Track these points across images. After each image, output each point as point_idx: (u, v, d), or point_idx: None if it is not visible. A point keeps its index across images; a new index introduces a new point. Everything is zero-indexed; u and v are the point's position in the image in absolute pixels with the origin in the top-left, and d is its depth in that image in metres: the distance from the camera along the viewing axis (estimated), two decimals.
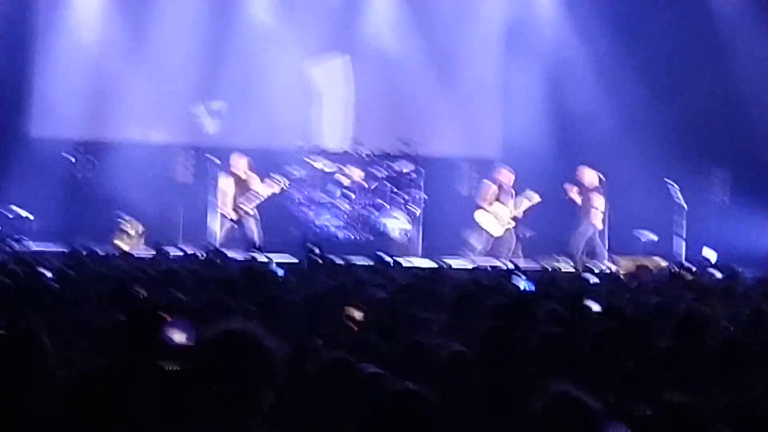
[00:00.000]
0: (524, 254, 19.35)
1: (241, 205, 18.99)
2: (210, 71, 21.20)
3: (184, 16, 21.23)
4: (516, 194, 19.75)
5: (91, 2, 21.39)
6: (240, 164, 19.16)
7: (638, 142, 20.91)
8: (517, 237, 19.72)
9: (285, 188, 19.27)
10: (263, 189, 19.04)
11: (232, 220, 19.01)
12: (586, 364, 5.93)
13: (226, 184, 19.12)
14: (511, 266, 15.17)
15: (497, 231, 19.69)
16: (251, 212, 18.99)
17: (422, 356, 6.21)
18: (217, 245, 17.26)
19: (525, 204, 19.64)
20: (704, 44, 21.04)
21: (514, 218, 19.69)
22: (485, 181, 20.02)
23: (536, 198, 19.54)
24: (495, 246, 19.61)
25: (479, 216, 19.74)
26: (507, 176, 19.84)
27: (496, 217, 19.68)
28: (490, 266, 14.92)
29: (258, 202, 19.07)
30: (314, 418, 5.11)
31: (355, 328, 6.87)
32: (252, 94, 21.10)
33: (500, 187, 19.82)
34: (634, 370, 5.80)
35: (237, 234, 18.94)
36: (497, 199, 19.75)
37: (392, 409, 3.98)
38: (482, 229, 19.72)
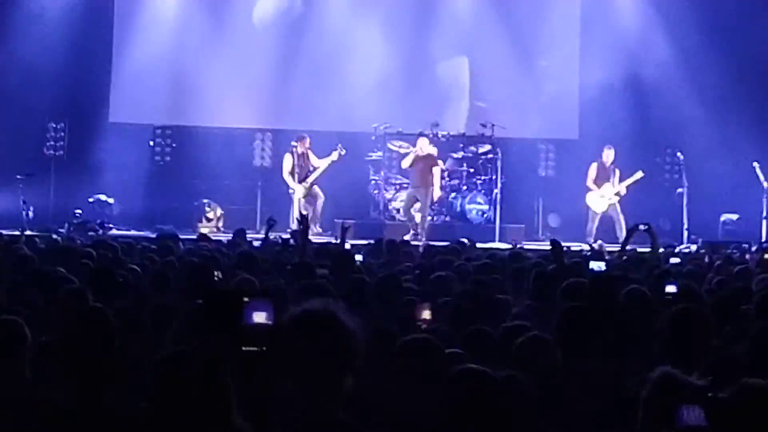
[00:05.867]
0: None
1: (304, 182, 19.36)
2: (288, 54, 21.32)
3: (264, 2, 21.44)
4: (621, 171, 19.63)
5: None
6: (299, 143, 19.54)
7: (720, 123, 20.69)
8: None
9: (341, 154, 19.33)
10: (321, 162, 19.38)
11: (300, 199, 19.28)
12: (664, 347, 5.89)
13: (285, 162, 19.52)
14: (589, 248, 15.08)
15: (601, 207, 19.51)
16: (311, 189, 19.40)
17: (498, 341, 6.23)
18: (294, 227, 17.33)
19: (629, 180, 19.47)
20: None
21: (617, 193, 19.54)
22: (593, 164, 19.76)
23: (639, 173, 19.41)
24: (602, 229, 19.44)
25: (588, 198, 19.64)
26: (610, 155, 19.71)
27: (601, 194, 19.57)
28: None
29: (317, 175, 19.38)
30: (394, 399, 5.12)
31: (423, 326, 6.83)
32: (331, 77, 21.15)
33: (605, 166, 19.70)
34: (713, 353, 5.76)
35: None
36: (604, 179, 19.63)
37: (470, 389, 3.97)
38: (590, 209, 19.64)
